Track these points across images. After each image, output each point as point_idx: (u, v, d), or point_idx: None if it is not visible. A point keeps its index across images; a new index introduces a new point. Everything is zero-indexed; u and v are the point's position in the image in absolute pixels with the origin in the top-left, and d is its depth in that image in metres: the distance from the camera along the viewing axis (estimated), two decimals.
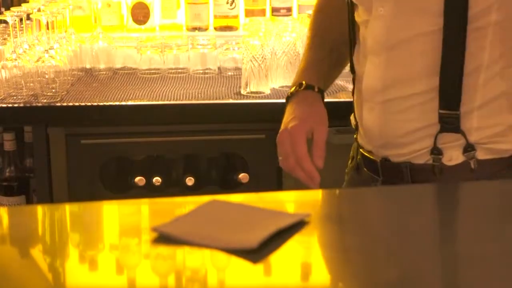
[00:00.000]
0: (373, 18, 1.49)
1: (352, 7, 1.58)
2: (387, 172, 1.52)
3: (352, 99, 1.64)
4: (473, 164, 1.45)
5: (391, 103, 1.48)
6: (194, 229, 0.87)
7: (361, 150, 1.59)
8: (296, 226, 0.89)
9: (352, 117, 1.64)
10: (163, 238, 0.86)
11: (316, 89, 1.60)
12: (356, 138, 1.62)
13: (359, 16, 1.56)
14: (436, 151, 1.46)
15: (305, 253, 0.86)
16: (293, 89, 1.61)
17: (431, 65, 1.44)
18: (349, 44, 1.62)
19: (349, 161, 1.67)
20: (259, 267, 0.82)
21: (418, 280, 0.81)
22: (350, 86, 1.77)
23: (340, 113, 1.74)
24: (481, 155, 1.45)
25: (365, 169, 1.57)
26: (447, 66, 1.42)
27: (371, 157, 1.55)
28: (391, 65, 1.48)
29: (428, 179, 1.47)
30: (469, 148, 1.45)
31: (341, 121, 1.76)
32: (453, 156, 1.46)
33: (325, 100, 1.62)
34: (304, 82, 1.60)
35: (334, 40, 1.66)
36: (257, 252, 0.82)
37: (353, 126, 1.63)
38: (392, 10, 1.46)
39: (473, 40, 1.41)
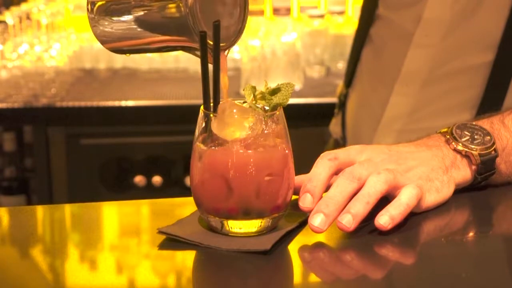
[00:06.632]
0: (414, 47, 1.35)
1: (363, 40, 1.46)
2: None
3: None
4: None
5: (413, 132, 1.22)
6: (202, 230, 0.87)
7: None
8: (301, 225, 0.89)
9: (335, 129, 1.58)
10: (169, 240, 0.85)
11: None
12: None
13: (382, 42, 1.42)
14: None
15: (308, 252, 0.86)
16: None
17: (469, 100, 1.32)
18: (347, 75, 1.53)
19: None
20: (268, 267, 0.82)
21: (404, 279, 0.81)
22: None
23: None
24: None
25: None
26: (488, 101, 1.30)
27: None
28: (424, 97, 1.36)
29: None
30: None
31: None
32: None
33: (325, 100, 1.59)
34: None
35: None
36: (269, 253, 0.82)
37: (333, 136, 1.58)
38: (439, 40, 1.32)
39: None
